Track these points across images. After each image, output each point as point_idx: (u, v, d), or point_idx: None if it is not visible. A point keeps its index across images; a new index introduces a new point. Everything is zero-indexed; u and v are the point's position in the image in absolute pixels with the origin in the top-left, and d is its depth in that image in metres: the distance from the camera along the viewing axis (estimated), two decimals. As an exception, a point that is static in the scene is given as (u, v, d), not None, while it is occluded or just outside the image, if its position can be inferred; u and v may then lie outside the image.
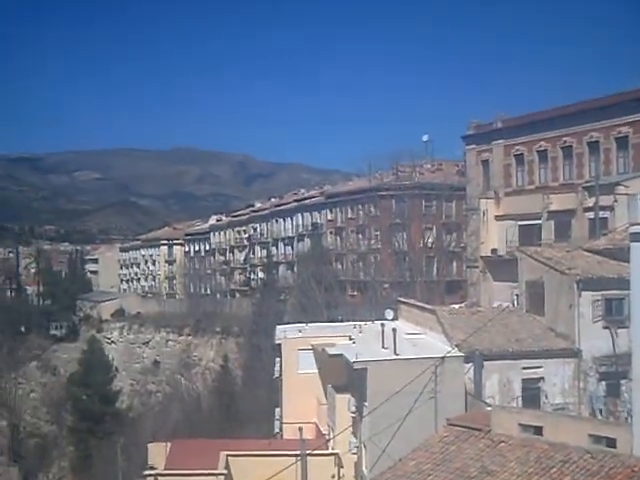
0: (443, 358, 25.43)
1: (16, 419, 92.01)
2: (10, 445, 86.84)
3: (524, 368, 27.72)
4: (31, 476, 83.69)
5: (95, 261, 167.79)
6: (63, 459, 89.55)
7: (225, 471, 28.46)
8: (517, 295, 33.60)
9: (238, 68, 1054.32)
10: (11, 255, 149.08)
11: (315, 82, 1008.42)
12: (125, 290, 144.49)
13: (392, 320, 32.53)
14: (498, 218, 50.05)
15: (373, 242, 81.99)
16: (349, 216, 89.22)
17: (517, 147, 54.99)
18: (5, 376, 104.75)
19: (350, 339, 31.24)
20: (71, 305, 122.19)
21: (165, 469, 29.85)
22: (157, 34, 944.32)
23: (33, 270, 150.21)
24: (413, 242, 70.69)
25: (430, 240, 73.91)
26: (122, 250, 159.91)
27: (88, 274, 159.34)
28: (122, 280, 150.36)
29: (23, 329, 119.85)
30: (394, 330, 27.46)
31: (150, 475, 28.76)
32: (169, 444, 33.31)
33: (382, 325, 29.31)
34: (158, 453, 32.36)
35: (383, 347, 27.58)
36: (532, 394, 27.70)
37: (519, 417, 19.84)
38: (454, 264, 74.30)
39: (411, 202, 74.12)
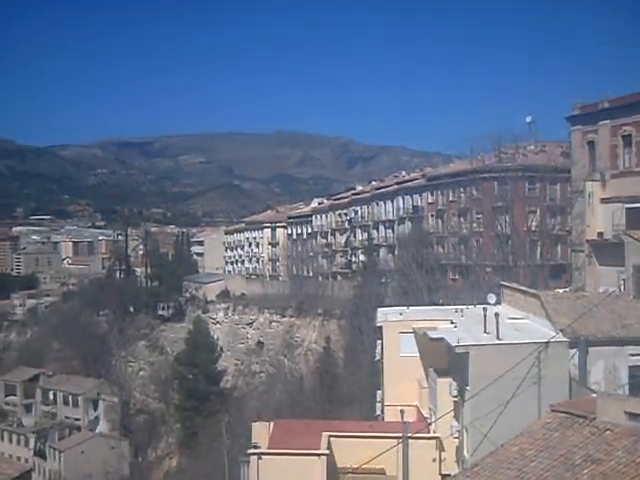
0: (547, 343, 25.06)
1: (126, 396, 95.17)
2: (121, 421, 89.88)
3: (631, 355, 26.95)
4: (140, 450, 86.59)
5: (201, 243, 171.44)
6: (171, 435, 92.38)
7: (327, 452, 28.75)
8: (624, 280, 32.73)
9: (343, 51, 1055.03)
10: (120, 237, 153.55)
11: (417, 64, 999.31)
12: (230, 272, 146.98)
13: (494, 304, 32.18)
14: (604, 201, 48.75)
15: (475, 225, 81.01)
16: (450, 199, 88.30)
17: (625, 127, 53.18)
18: (116, 354, 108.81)
19: (452, 323, 31.09)
20: (178, 286, 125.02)
21: (268, 448, 30.38)
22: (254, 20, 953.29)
23: (141, 252, 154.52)
24: (516, 225, 69.44)
25: (534, 223, 72.41)
26: (227, 232, 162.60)
27: (194, 256, 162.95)
28: (227, 262, 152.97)
29: (132, 309, 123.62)
30: (496, 314, 27.20)
31: (254, 454, 29.28)
32: (272, 423, 33.89)
33: (484, 309, 29.04)
34: (261, 432, 32.96)
35: (485, 331, 27.36)
36: (640, 382, 26.99)
37: (626, 405, 19.37)
38: (558, 248, 72.67)
39: (514, 184, 72.73)
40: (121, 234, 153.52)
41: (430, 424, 30.27)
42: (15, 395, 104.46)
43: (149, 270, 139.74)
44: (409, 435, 27.67)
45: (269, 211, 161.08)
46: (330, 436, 30.02)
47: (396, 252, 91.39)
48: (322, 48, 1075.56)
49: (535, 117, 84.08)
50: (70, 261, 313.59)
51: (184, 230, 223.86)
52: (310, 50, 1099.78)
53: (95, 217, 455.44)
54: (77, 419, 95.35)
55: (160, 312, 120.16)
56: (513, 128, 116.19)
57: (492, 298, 32.30)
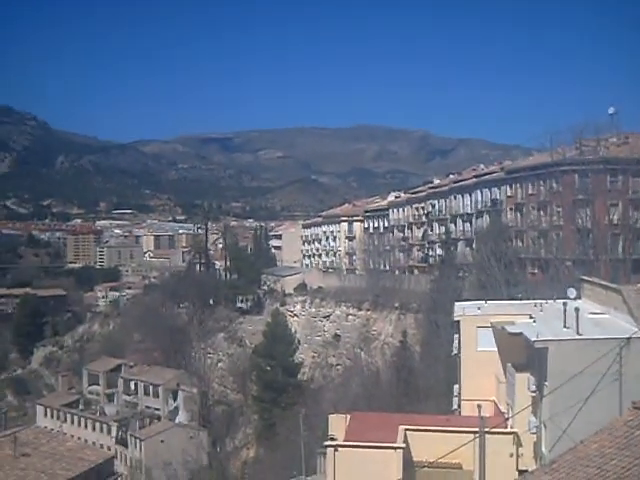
0: (629, 339, 24.53)
1: (205, 387, 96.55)
2: (200, 411, 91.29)
3: None
4: (219, 441, 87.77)
5: (279, 237, 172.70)
6: (248, 426, 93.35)
7: (403, 445, 28.77)
8: None
9: (421, 45, 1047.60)
10: (200, 231, 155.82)
11: (496, 58, 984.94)
12: (307, 265, 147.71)
13: (574, 299, 31.65)
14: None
15: (555, 219, 79.51)
16: (530, 192, 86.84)
17: None
18: (195, 346, 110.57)
19: (530, 318, 30.72)
20: (256, 279, 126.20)
21: (345, 440, 30.52)
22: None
23: (221, 246, 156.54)
24: (597, 219, 68.00)
25: (615, 217, 70.80)
26: (304, 226, 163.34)
27: (272, 249, 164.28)
28: (304, 255, 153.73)
29: (212, 302, 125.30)
30: (577, 309, 26.76)
31: (331, 446, 29.46)
32: (349, 416, 34.04)
33: (564, 304, 28.60)
34: (338, 424, 33.16)
35: (565, 326, 26.95)
36: None
37: None
38: (641, 242, 70.92)
39: (595, 177, 71.24)
40: (201, 228, 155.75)
41: (507, 419, 30.00)
42: (98, 385, 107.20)
43: (228, 263, 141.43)
44: (486, 430, 27.44)
45: (346, 205, 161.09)
46: (406, 430, 30.02)
47: (474, 246, 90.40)
48: (400, 42, 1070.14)
49: (618, 108, 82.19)
50: (151, 254, 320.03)
51: (262, 224, 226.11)
52: (388, 44, 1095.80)
53: (176, 211, 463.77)
54: (157, 409, 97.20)
55: (239, 305, 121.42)
56: (595, 120, 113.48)
57: (572, 293, 31.79)
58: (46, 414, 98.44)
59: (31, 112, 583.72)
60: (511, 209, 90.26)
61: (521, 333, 27.47)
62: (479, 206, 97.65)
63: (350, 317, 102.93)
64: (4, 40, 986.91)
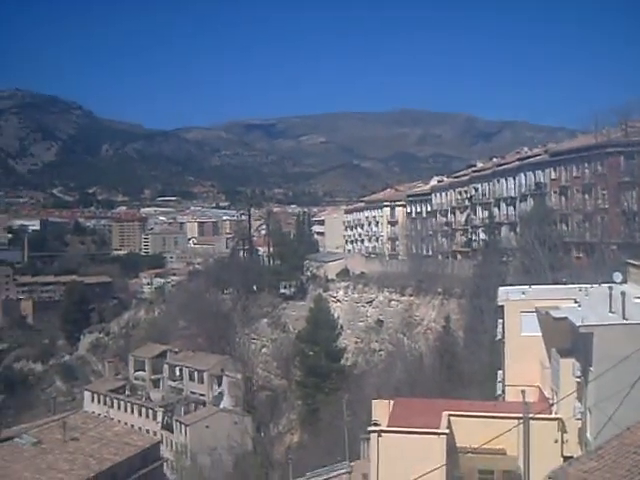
0: (676, 323, 24.10)
1: (249, 372, 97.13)
2: (244, 396, 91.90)
3: None
4: (263, 426, 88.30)
5: (321, 223, 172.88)
6: (292, 412, 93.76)
7: (447, 431, 28.63)
8: None
9: (463, 27, 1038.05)
10: (243, 218, 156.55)
11: (541, 38, 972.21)
12: (349, 251, 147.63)
13: (620, 283, 31.12)
14: None
15: (600, 202, 78.45)
16: (574, 175, 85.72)
17: None
18: (239, 332, 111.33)
19: (575, 302, 30.30)
20: (299, 265, 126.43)
21: (388, 426, 30.47)
22: None
23: (264, 232, 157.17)
24: (644, 201, 66.97)
25: (662, 199, 69.67)
26: (346, 212, 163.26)
27: (315, 235, 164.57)
28: (347, 241, 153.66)
29: (255, 288, 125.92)
30: (622, 293, 26.31)
31: (374, 431, 29.43)
32: (392, 401, 33.98)
33: (610, 288, 28.13)
34: (381, 410, 33.10)
35: (610, 311, 26.52)
36: None
37: None
38: (690, 224, 69.65)
39: (642, 159, 70.07)
40: (244, 214, 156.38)
41: (552, 405, 29.67)
42: (144, 370, 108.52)
43: (271, 249, 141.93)
44: (530, 416, 27.18)
45: (388, 190, 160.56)
46: (450, 415, 29.84)
47: (518, 230, 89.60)
48: (442, 25, 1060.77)
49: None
50: (195, 241, 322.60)
51: (305, 210, 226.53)
52: (430, 28, 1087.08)
53: (219, 198, 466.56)
54: (202, 394, 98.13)
55: (282, 290, 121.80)
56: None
57: (618, 277, 31.24)
58: (93, 399, 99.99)
59: (77, 101, 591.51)
60: (555, 192, 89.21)
61: (566, 318, 27.09)
62: (523, 189, 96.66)
63: (393, 302, 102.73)
64: (50, 31, 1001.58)
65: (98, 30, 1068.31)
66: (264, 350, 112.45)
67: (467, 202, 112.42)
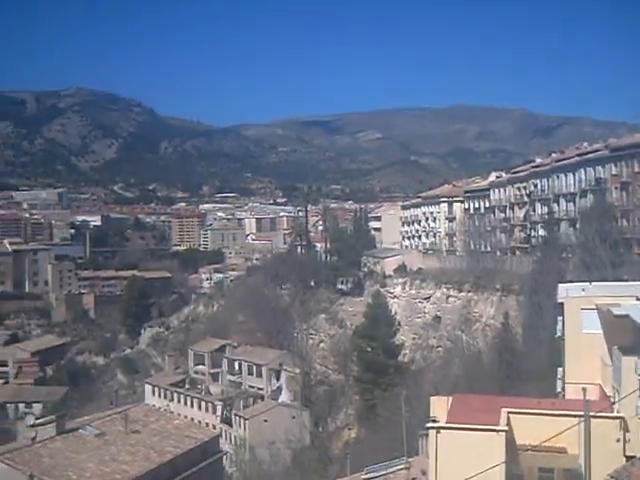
0: None
1: (307, 367, 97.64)
2: (302, 391, 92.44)
3: None
4: (321, 421, 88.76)
5: (378, 219, 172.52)
6: (350, 407, 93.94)
7: (506, 428, 28.55)
8: None
9: (520, 22, 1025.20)
10: (301, 214, 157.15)
11: (601, 32, 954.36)
12: (407, 247, 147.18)
13: (684, 280, 30.71)
14: None
15: (662, 198, 77.06)
16: (636, 170, 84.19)
17: None
18: (297, 327, 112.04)
19: (637, 299, 30.00)
20: (356, 261, 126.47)
21: (446, 422, 30.47)
22: None
23: (321, 228, 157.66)
24: None
25: None
26: (403, 208, 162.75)
27: (372, 231, 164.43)
28: (404, 237, 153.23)
29: (313, 283, 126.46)
30: (686, 291, 26.00)
31: (433, 427, 29.48)
32: (450, 398, 33.95)
33: (672, 285, 27.82)
34: (439, 406, 33.09)
35: (673, 309, 26.23)
36: None
37: None
38: None
39: None
40: (301, 210, 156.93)
41: (614, 403, 29.38)
42: (203, 364, 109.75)
43: (329, 245, 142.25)
44: (591, 414, 26.98)
45: (446, 185, 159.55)
46: (509, 412, 29.75)
47: (578, 226, 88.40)
48: (498, 20, 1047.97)
49: None
50: (253, 237, 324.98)
51: (362, 206, 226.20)
52: (487, 22, 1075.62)
53: (276, 194, 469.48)
54: (260, 389, 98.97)
55: (339, 286, 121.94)
56: None
57: (681, 274, 30.82)
58: (154, 393, 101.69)
59: (137, 98, 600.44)
60: (616, 188, 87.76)
61: (627, 315, 26.86)
62: (583, 185, 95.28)
63: (451, 299, 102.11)
64: (111, 30, 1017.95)
65: (158, 28, 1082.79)
66: (322, 345, 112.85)
67: (526, 198, 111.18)
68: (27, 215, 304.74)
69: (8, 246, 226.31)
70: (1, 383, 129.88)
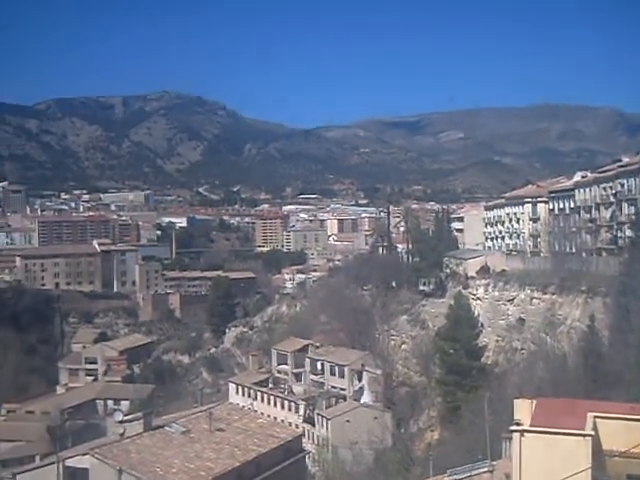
0: None
1: (389, 368, 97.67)
2: (384, 392, 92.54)
3: None
4: (403, 422, 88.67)
5: (460, 219, 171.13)
6: (432, 409, 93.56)
7: (592, 432, 28.19)
8: None
9: (603, 18, 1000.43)
10: (382, 215, 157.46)
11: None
12: (489, 248, 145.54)
13: None
14: None
15: None
16: None
17: None
18: (379, 328, 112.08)
19: None
20: (438, 262, 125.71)
21: (530, 426, 30.25)
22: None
23: (402, 229, 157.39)
24: None
25: None
26: (486, 208, 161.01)
27: (454, 232, 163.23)
28: (486, 238, 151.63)
29: (394, 284, 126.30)
30: None
31: (517, 430, 29.31)
32: (534, 401, 33.67)
33: None
34: (523, 409, 32.84)
35: None
36: None
37: None
38: None
39: None
40: (383, 211, 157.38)
41: None
42: (286, 364, 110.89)
43: (410, 246, 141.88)
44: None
45: (530, 186, 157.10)
46: (595, 417, 29.38)
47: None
48: (582, 15, 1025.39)
49: None
50: (335, 238, 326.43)
51: (444, 207, 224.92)
52: (573, 20, 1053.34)
53: (358, 195, 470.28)
54: (342, 389, 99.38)
55: (421, 287, 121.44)
56: None
57: None
58: (238, 391, 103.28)
59: (221, 101, 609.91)
60: None
61: None
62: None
63: (535, 301, 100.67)
64: (195, 34, 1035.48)
65: (241, 32, 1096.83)
66: (403, 346, 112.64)
67: (612, 198, 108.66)
68: (115, 217, 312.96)
69: (97, 247, 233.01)
70: (91, 380, 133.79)
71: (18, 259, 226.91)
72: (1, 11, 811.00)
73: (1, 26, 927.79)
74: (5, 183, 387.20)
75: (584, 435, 27.69)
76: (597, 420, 29.12)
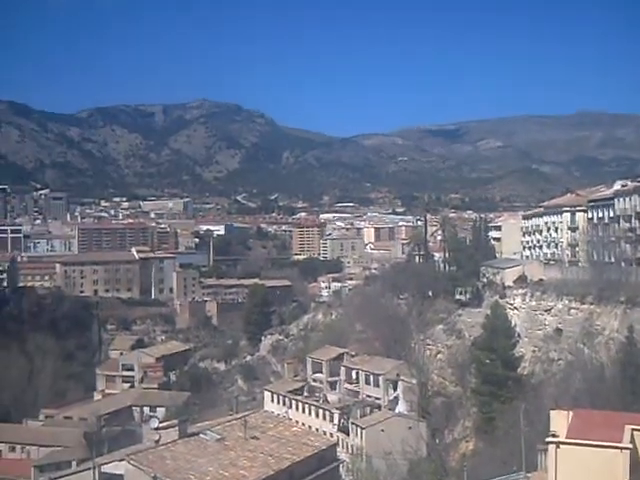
0: None
1: (424, 378, 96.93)
2: (419, 402, 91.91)
3: None
4: (437, 432, 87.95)
5: (498, 228, 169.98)
6: (467, 419, 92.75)
7: (630, 445, 27.75)
8: None
9: None
10: (419, 223, 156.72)
11: None
12: (527, 257, 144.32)
13: None
14: None
15: None
16: None
17: None
18: (415, 337, 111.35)
19: None
20: (475, 271, 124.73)
21: (567, 438, 29.84)
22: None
23: (439, 237, 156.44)
24: None
25: None
26: (524, 217, 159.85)
27: (491, 241, 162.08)
28: (524, 247, 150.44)
29: (431, 293, 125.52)
30: None
31: (553, 442, 28.95)
32: (571, 412, 33.25)
33: None
34: (560, 421, 32.44)
35: None
36: None
37: None
38: None
39: None
40: (420, 220, 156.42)
41: None
42: (321, 373, 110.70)
43: (447, 255, 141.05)
44: None
45: (568, 194, 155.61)
46: (633, 429, 28.93)
47: None
48: (623, 26, 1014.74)
49: None
50: (372, 246, 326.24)
51: (482, 215, 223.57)
52: (611, 29, 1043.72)
53: (395, 203, 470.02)
54: (377, 398, 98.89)
55: (458, 296, 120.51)
56: None
57: None
58: (273, 399, 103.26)
59: (259, 109, 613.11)
60: None
61: None
62: None
63: (572, 311, 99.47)
64: (235, 43, 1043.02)
65: (279, 42, 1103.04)
66: (439, 356, 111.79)
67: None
68: (154, 224, 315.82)
69: (136, 254, 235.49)
70: (127, 387, 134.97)
71: (58, 266, 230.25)
72: (44, 22, 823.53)
73: (45, 36, 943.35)
74: (47, 190, 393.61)
75: (622, 448, 27.28)
76: (635, 433, 28.67)
